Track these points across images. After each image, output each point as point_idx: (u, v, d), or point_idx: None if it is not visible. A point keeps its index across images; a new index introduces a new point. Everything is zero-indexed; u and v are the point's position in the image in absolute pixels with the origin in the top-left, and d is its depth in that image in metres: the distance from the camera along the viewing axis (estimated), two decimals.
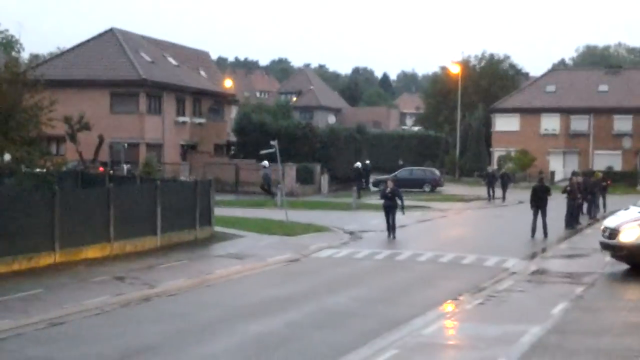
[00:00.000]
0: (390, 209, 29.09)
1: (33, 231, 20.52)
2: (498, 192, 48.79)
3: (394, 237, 28.76)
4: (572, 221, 32.51)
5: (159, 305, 17.17)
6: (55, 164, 29.05)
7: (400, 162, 70.34)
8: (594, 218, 36.06)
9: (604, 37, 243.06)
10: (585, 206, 36.41)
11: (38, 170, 27.27)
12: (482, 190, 50.96)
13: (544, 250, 26.71)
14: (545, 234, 29.11)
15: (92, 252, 22.26)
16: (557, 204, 32.44)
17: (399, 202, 29.21)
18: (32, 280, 18.71)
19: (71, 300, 16.84)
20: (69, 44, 62.57)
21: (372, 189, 54.78)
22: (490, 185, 48.32)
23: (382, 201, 29.97)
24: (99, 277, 19.58)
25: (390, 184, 29.93)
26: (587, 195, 35.80)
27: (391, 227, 29.04)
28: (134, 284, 19.03)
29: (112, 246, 22.99)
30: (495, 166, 63.33)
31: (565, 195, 32.66)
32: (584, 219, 34.99)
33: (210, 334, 14.45)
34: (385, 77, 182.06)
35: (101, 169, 41.86)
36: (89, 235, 22.28)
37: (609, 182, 41.70)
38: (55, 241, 21.01)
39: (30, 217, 20.53)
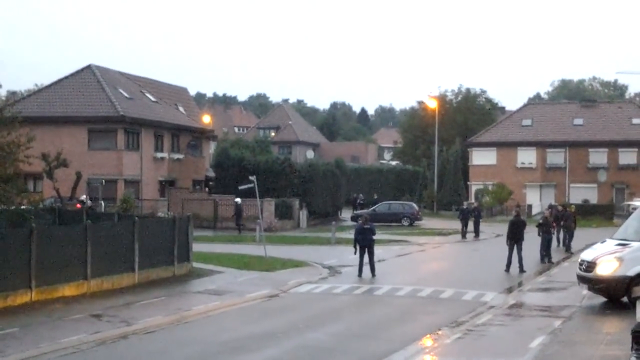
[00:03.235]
0: (366, 246, 28.10)
1: (9, 269, 20.32)
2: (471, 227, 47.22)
3: (374, 276, 27.56)
4: (546, 254, 32.58)
5: (137, 343, 17.03)
6: (32, 201, 28.85)
7: (375, 197, 70.34)
8: (569, 251, 36.17)
9: (579, 71, 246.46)
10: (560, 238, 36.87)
11: (15, 207, 27.06)
12: (460, 225, 50.55)
13: (521, 283, 26.79)
14: (521, 268, 29.08)
15: (69, 289, 22.07)
16: (532, 237, 32.64)
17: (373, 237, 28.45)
18: (8, 319, 18.52)
19: (47, 339, 16.67)
20: (46, 81, 62.38)
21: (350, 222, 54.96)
22: (465, 222, 46.67)
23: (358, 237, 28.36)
24: (76, 315, 19.42)
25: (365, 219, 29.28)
26: (559, 227, 36.18)
27: (369, 265, 27.83)
28: (111, 322, 18.88)
29: (90, 284, 22.81)
30: (473, 201, 63.33)
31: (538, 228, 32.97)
32: (559, 252, 35.12)
33: None
34: (363, 111, 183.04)
35: (78, 205, 41.61)
36: (65, 273, 22.09)
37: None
38: (32, 279, 20.81)
39: (7, 254, 20.35)
